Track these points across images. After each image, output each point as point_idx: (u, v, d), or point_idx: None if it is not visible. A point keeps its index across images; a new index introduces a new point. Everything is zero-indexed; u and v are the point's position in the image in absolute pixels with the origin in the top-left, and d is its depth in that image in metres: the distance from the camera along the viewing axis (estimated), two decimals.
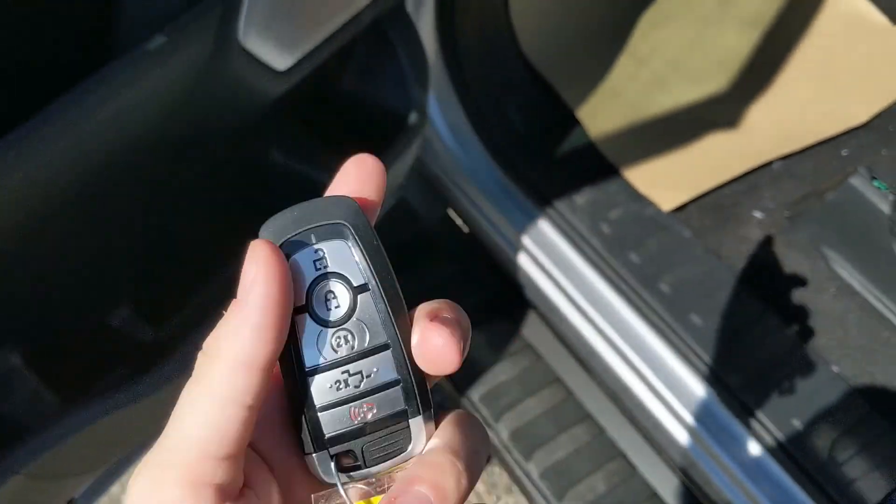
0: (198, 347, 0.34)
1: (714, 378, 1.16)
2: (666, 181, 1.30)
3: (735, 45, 1.50)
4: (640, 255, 1.24)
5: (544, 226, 1.32)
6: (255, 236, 0.35)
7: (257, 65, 0.83)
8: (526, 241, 1.34)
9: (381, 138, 1.06)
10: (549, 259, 1.31)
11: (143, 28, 0.72)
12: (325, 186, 0.40)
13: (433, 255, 1.55)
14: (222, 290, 0.88)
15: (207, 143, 0.89)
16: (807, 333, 1.17)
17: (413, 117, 1.07)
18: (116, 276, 0.92)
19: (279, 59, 0.86)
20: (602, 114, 1.40)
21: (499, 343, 1.47)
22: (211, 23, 0.75)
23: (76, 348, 0.88)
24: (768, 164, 1.33)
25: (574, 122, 1.39)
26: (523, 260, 1.35)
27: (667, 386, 1.20)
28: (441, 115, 1.41)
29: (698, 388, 1.17)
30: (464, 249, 1.54)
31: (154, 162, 0.85)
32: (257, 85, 0.86)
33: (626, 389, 1.25)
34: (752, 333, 1.17)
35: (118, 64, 0.68)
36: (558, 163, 1.35)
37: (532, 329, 1.45)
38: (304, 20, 0.86)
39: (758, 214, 1.26)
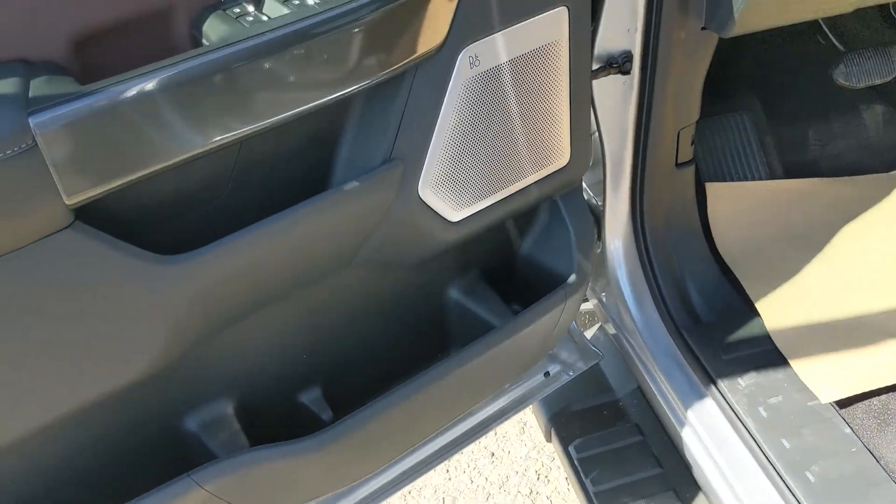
0: None
1: None
2: (831, 375, 1.32)
3: None
4: (793, 443, 1.27)
5: (708, 403, 1.40)
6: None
7: (432, 213, 1.10)
8: (691, 416, 1.42)
9: (545, 292, 1.26)
10: (708, 434, 1.37)
11: (349, 179, 1.02)
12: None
13: (619, 424, 1.66)
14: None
15: (392, 270, 1.16)
16: None
17: (573, 278, 1.27)
18: (315, 363, 1.19)
19: (451, 212, 1.12)
20: (782, 308, 1.47)
21: None
22: (395, 176, 1.04)
23: (271, 410, 1.16)
24: None
25: (751, 311, 1.47)
26: (687, 435, 1.42)
27: None
28: (632, 295, 1.57)
29: None
30: (648, 423, 1.63)
31: (349, 278, 1.13)
32: (432, 230, 1.12)
33: None
34: None
35: (322, 196, 0.98)
36: (729, 346, 1.44)
37: None
38: (474, 186, 1.12)
39: None
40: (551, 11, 1.09)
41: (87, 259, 0.83)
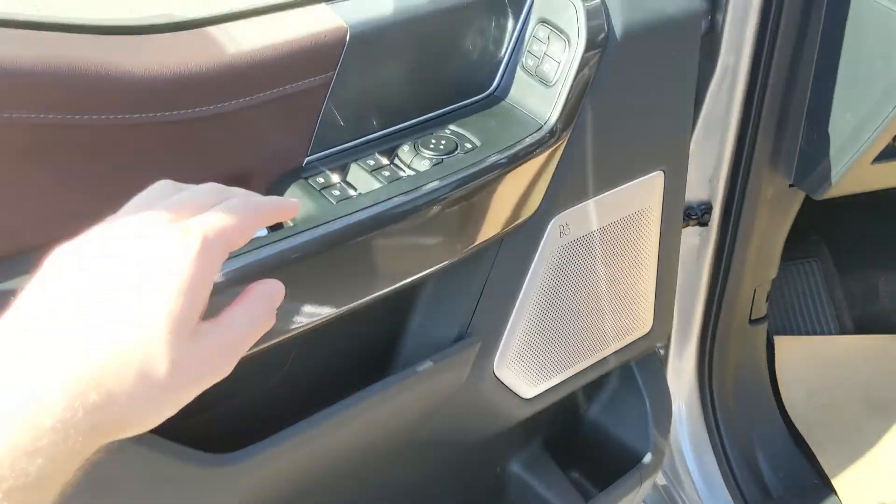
0: None
1: None
2: None
3: None
4: None
5: None
6: None
7: (506, 391, 0.99)
8: None
9: (616, 471, 1.14)
10: None
11: (419, 355, 0.91)
12: None
13: None
14: None
15: (454, 446, 1.04)
16: None
17: (648, 458, 1.14)
18: None
19: (526, 389, 1.01)
20: (859, 485, 1.34)
21: None
22: (470, 355, 0.92)
23: None
24: None
25: (826, 488, 1.34)
26: None
27: None
28: (694, 460, 1.44)
29: None
30: None
31: (403, 454, 1.01)
32: (504, 407, 1.00)
33: None
34: None
35: (394, 379, 0.87)
36: None
37: None
38: (552, 360, 1.01)
39: None
40: (648, 176, 1.00)
41: (128, 463, 0.72)
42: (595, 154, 0.92)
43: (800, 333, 1.61)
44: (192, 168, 0.73)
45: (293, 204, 0.56)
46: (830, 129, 1.13)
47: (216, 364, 0.46)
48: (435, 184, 0.78)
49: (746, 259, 1.30)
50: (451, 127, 0.86)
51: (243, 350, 0.48)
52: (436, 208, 0.79)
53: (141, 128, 0.68)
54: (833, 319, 1.62)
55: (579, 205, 0.94)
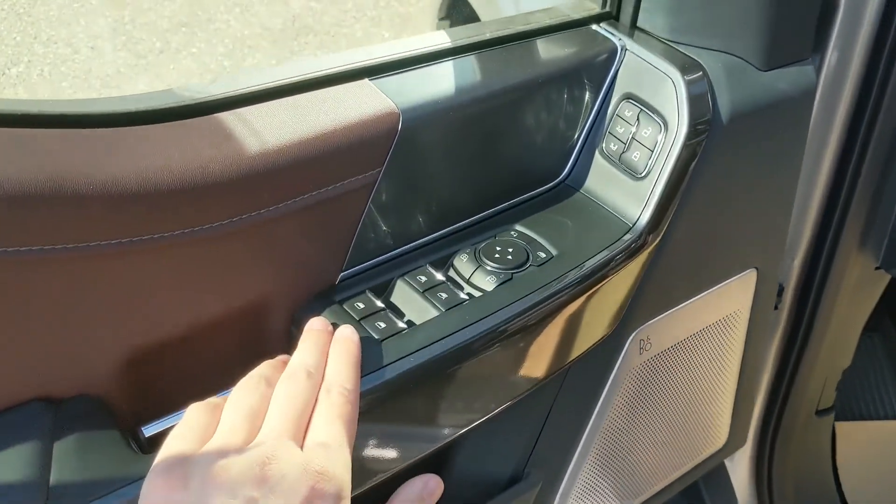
0: None
1: None
2: None
3: None
4: None
5: None
6: None
7: None
8: None
9: None
10: None
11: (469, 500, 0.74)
12: None
13: None
14: None
15: None
16: None
17: None
18: None
19: None
20: None
21: None
22: (527, 500, 0.76)
23: None
24: None
25: None
26: None
27: None
28: None
29: None
30: None
31: None
32: None
33: None
34: None
35: None
36: None
37: None
38: (620, 491, 0.85)
39: None
40: (740, 276, 0.84)
41: None
42: (685, 255, 0.76)
43: (860, 417, 1.45)
44: (196, 299, 0.56)
45: (355, 343, 0.54)
46: None
47: None
48: (506, 311, 0.61)
49: (822, 346, 1.13)
50: (518, 227, 0.70)
51: None
52: (505, 342, 0.62)
53: (136, 255, 0.51)
54: None
55: (663, 315, 0.78)
